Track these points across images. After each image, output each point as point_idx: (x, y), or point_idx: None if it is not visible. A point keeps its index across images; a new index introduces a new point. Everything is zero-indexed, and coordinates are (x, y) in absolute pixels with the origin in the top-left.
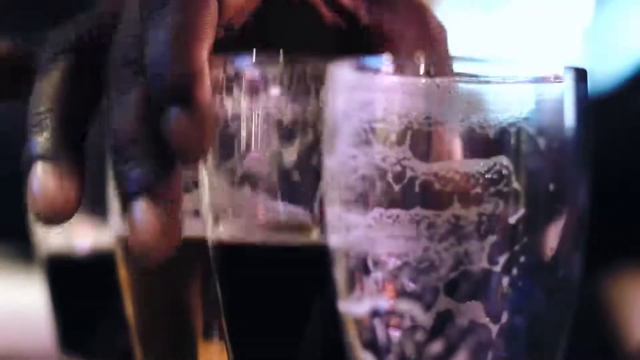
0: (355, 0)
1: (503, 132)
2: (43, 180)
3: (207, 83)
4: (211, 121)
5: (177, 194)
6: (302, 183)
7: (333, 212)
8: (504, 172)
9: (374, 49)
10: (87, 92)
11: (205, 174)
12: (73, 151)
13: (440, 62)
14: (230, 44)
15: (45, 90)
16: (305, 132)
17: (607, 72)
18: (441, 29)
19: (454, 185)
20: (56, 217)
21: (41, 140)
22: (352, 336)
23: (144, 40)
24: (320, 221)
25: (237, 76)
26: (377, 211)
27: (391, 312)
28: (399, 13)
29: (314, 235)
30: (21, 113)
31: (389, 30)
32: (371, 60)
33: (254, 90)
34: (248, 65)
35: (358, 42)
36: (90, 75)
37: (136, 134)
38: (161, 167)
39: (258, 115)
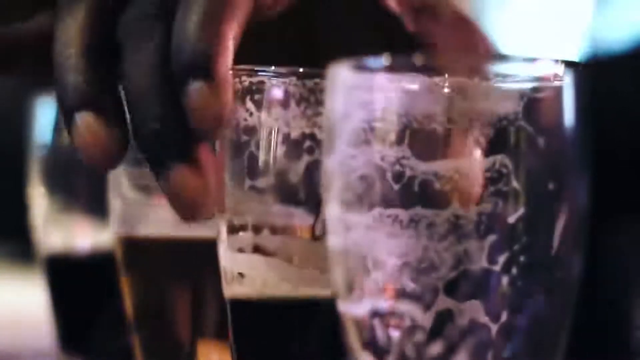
0: (402, 6)
1: (503, 131)
2: (92, 130)
3: (228, 59)
4: (229, 96)
5: (210, 162)
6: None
7: (332, 212)
8: (504, 171)
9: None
10: (113, 29)
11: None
12: (111, 92)
13: (467, 63)
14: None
15: (71, 29)
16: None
17: (617, 35)
18: (486, 41)
19: (454, 184)
20: (109, 163)
21: (77, 85)
22: (352, 336)
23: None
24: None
25: (256, 88)
26: (377, 211)
27: (391, 312)
28: (444, 24)
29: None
30: (20, 115)
31: (433, 40)
32: (371, 60)
33: (272, 103)
34: (267, 78)
35: (402, 42)
36: (114, 11)
37: (149, 98)
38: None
39: (275, 128)
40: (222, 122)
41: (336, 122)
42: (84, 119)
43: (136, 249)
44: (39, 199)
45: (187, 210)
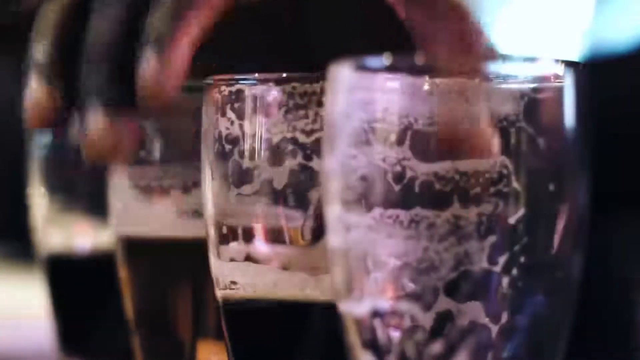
0: None
1: (503, 132)
2: (33, 92)
3: (186, 42)
4: (177, 71)
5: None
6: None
7: (333, 212)
8: (504, 172)
9: (410, 46)
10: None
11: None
12: (66, 61)
13: (467, 63)
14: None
15: (49, 20)
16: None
17: (618, 35)
18: (480, 33)
19: (455, 185)
20: (45, 123)
21: (37, 61)
22: (352, 336)
23: None
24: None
25: (235, 97)
26: (377, 211)
27: (391, 313)
28: (437, 13)
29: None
30: (20, 115)
31: (423, 29)
32: (371, 60)
33: (252, 110)
34: (246, 86)
35: (395, 37)
36: None
37: (102, 46)
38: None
39: (257, 135)
40: (165, 92)
41: (336, 122)
42: (31, 84)
43: (136, 249)
44: (39, 199)
45: (92, 153)
